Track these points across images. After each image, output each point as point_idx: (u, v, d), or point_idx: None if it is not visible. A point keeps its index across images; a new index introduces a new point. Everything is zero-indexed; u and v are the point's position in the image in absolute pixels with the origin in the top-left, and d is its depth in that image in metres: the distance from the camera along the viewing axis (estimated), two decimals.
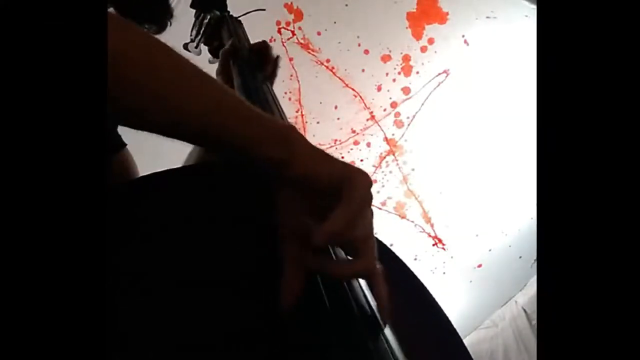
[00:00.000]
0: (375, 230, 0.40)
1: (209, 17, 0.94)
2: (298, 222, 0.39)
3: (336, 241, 0.40)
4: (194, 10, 0.97)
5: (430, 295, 0.52)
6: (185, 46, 0.96)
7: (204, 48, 0.98)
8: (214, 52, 0.97)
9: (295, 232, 0.39)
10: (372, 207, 0.40)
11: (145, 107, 0.35)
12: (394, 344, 0.36)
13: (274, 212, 0.41)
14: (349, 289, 0.39)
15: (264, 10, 1.00)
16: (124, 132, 0.76)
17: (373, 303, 0.39)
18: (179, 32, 0.98)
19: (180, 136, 0.38)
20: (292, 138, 0.40)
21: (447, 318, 0.51)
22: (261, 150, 0.38)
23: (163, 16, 0.82)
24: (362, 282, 0.41)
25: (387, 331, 0.37)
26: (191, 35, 0.96)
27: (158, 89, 0.35)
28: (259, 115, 0.40)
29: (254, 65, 0.78)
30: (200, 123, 0.37)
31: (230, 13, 0.97)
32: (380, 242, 0.49)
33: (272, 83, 0.81)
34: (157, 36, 0.82)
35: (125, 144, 0.77)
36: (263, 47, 0.83)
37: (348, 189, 0.38)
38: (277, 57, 0.83)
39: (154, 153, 0.78)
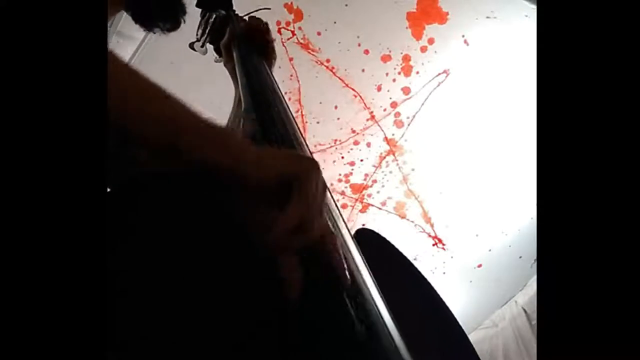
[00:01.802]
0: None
1: (214, 16, 0.94)
2: (264, 216, 0.39)
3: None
4: (199, 10, 0.98)
5: (434, 290, 0.52)
6: (191, 45, 0.96)
7: (209, 47, 0.98)
8: (219, 51, 0.97)
9: (267, 224, 0.38)
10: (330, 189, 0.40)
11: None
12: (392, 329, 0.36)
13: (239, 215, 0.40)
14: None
15: (269, 9, 1.01)
16: None
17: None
18: (185, 31, 0.98)
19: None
20: (232, 142, 0.39)
21: (449, 312, 0.51)
22: (204, 158, 0.38)
23: (177, 14, 0.83)
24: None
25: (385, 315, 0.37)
26: (197, 35, 0.96)
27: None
28: (199, 123, 0.39)
29: (251, 46, 0.82)
30: (137, 130, 0.36)
31: (236, 12, 0.97)
32: (380, 236, 0.48)
33: (270, 64, 0.84)
34: (171, 34, 0.85)
35: None
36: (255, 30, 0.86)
37: (298, 185, 0.38)
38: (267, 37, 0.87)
39: None
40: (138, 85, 0.38)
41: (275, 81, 0.75)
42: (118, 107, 0.35)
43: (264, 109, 0.63)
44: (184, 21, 0.84)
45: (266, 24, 0.90)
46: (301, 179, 0.38)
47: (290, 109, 0.67)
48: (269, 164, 0.39)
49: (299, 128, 0.62)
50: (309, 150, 0.59)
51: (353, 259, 0.42)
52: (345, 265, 0.38)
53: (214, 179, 0.39)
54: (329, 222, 0.41)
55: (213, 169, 0.38)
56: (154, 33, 0.84)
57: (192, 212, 0.41)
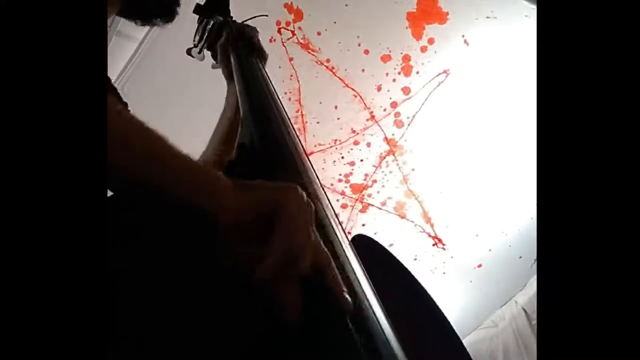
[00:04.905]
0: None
1: (211, 22, 0.94)
2: (248, 252, 0.39)
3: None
4: (196, 16, 0.98)
5: (430, 297, 0.52)
6: (189, 51, 0.96)
7: (207, 54, 0.98)
8: (217, 57, 0.97)
9: (254, 259, 0.38)
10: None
11: None
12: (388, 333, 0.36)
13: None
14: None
15: (266, 15, 1.01)
16: None
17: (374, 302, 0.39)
18: (184, 31, 0.98)
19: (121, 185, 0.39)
20: (218, 188, 0.40)
21: (445, 319, 0.51)
22: (194, 203, 0.39)
23: (170, 5, 0.83)
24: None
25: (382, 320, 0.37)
26: (194, 41, 0.96)
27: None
28: (193, 169, 0.41)
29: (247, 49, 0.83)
30: (140, 175, 0.38)
31: (233, 18, 0.97)
32: (377, 243, 0.48)
33: (263, 62, 0.86)
34: (169, 34, 0.86)
35: None
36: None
37: (279, 219, 0.38)
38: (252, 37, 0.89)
39: None
40: (132, 128, 0.40)
41: (273, 86, 0.75)
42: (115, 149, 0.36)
43: (261, 113, 0.64)
44: (178, 13, 0.85)
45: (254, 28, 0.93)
46: (279, 209, 0.38)
47: (288, 112, 0.68)
48: (244, 200, 0.40)
49: (294, 129, 0.63)
50: (305, 151, 0.59)
51: (351, 266, 0.42)
52: (342, 282, 0.38)
53: (197, 220, 0.40)
54: (320, 240, 0.40)
55: (195, 209, 0.39)
56: (155, 26, 0.86)
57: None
